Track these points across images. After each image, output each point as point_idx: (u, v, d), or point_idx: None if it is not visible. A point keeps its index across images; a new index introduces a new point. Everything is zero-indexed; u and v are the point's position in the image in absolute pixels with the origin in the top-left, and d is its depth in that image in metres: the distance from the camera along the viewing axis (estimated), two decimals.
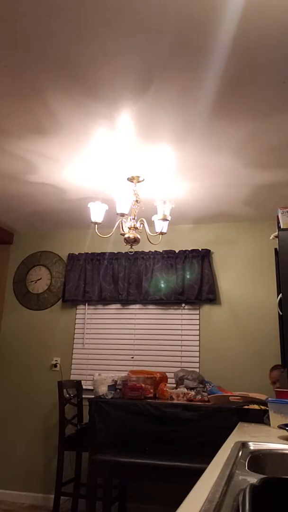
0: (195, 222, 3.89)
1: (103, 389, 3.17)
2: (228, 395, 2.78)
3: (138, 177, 2.98)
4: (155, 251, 3.82)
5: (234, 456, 1.03)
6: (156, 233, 3.05)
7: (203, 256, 3.72)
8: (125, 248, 3.32)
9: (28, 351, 3.96)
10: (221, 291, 3.70)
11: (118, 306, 3.90)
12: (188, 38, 1.74)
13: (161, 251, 3.82)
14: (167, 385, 3.07)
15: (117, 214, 2.87)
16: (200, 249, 3.77)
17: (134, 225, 2.93)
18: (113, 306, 3.91)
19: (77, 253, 4.04)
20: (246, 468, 0.94)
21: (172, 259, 3.80)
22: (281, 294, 2.35)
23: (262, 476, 0.81)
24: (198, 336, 3.66)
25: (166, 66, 1.91)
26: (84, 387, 3.67)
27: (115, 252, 3.91)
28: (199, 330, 3.66)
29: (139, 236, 2.94)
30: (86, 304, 3.95)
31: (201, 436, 2.50)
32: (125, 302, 3.85)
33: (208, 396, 2.85)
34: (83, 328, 3.91)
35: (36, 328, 4.01)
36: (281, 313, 2.37)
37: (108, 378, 3.26)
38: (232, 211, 3.59)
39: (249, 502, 0.61)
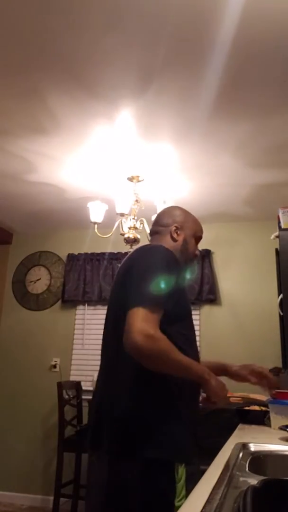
0: None
1: None
2: (229, 396, 2.76)
3: (138, 176, 2.97)
4: None
5: (234, 458, 1.01)
6: None
7: (204, 256, 3.71)
8: (125, 248, 3.30)
9: (27, 351, 3.94)
10: (222, 291, 3.69)
11: None
12: (188, 37, 1.73)
13: None
14: None
15: (117, 214, 2.86)
16: (200, 249, 3.75)
17: (134, 225, 2.92)
18: None
19: (76, 253, 4.03)
20: (247, 469, 0.93)
21: None
22: (281, 294, 2.34)
23: (262, 477, 0.80)
24: (198, 337, 3.64)
25: (166, 65, 1.90)
26: (83, 388, 3.65)
27: (115, 252, 3.89)
28: (199, 330, 3.65)
29: (139, 236, 2.93)
30: (86, 305, 3.94)
31: (201, 437, 2.48)
32: None
33: None
34: (83, 329, 3.90)
35: (35, 329, 4.00)
36: (281, 314, 2.35)
37: None
38: (233, 211, 3.58)
39: (250, 504, 0.60)
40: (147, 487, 1.10)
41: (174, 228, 1.46)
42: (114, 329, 1.27)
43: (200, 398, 1.32)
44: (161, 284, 1.20)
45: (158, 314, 1.16)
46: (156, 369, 1.15)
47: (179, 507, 1.01)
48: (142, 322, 1.11)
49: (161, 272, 1.22)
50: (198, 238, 1.52)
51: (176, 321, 1.25)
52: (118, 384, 1.24)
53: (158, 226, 1.51)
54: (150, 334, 1.10)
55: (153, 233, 1.53)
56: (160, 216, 1.55)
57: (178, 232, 1.46)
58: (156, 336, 1.12)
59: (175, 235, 1.45)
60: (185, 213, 1.54)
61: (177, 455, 1.15)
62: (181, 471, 1.13)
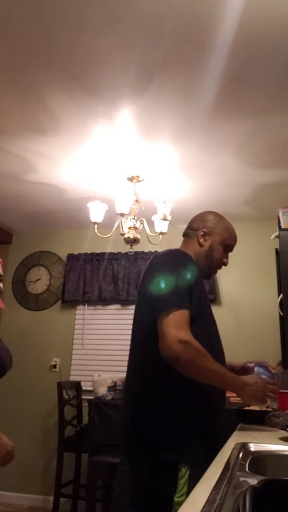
0: None
1: (102, 390, 3.15)
2: (229, 396, 2.76)
3: (138, 176, 2.96)
4: (155, 251, 3.80)
5: (234, 458, 1.01)
6: (156, 233, 3.03)
7: None
8: (125, 248, 3.30)
9: (27, 351, 3.94)
10: (221, 292, 3.68)
11: (118, 306, 3.88)
12: (188, 36, 1.73)
13: None
14: None
15: (117, 214, 2.85)
16: None
17: (134, 225, 2.92)
18: (113, 306, 3.89)
19: (76, 253, 4.02)
20: (247, 469, 0.92)
21: None
22: (281, 294, 2.34)
23: (262, 477, 0.80)
24: None
25: (166, 64, 1.90)
26: (83, 388, 3.65)
27: (115, 252, 3.89)
28: None
29: (139, 236, 2.92)
30: (86, 305, 3.94)
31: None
32: (125, 302, 3.83)
33: None
34: (83, 329, 3.90)
35: (35, 329, 3.99)
36: (281, 314, 2.35)
37: (107, 379, 3.24)
38: (233, 211, 3.57)
39: (250, 504, 0.60)
40: (150, 483, 1.18)
41: (202, 233, 1.48)
42: (134, 333, 1.38)
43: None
44: (181, 284, 1.25)
45: (186, 313, 1.22)
46: (191, 375, 1.20)
47: (178, 502, 1.13)
48: (174, 328, 1.18)
49: (178, 273, 1.27)
50: (227, 246, 1.51)
51: (194, 320, 1.27)
52: (135, 385, 1.32)
53: (189, 229, 1.53)
54: (185, 340, 1.17)
55: (184, 235, 1.56)
56: (193, 219, 1.56)
57: (206, 238, 1.47)
58: (192, 342, 1.18)
59: (201, 240, 1.47)
60: (218, 219, 1.53)
61: (181, 457, 1.19)
62: (184, 470, 1.17)
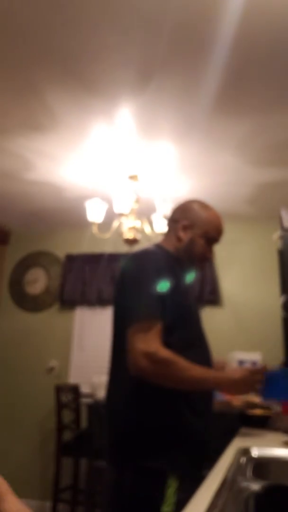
0: None
1: (102, 393, 3.10)
2: (230, 400, 2.71)
3: (137, 175, 2.93)
4: None
5: (236, 462, 0.99)
6: (156, 232, 3.00)
7: None
8: (125, 249, 3.27)
9: (25, 354, 3.90)
10: (223, 292, 3.64)
11: None
12: (189, 32, 1.71)
13: None
14: None
15: (116, 213, 2.82)
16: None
17: (134, 225, 2.88)
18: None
19: (75, 254, 3.98)
20: (249, 474, 0.90)
21: None
22: (285, 295, 2.30)
23: (265, 482, 0.79)
24: None
25: (166, 61, 1.88)
26: (82, 391, 3.59)
27: (114, 252, 3.85)
28: None
29: (139, 236, 2.89)
30: (85, 306, 3.89)
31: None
32: None
33: None
34: (82, 330, 3.85)
35: (33, 331, 3.95)
36: (285, 315, 2.31)
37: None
38: (234, 210, 3.54)
39: (253, 509, 0.57)
40: (136, 493, 1.12)
41: (182, 226, 1.35)
42: (113, 339, 1.30)
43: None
44: (151, 295, 1.17)
45: (156, 326, 1.14)
46: (167, 386, 1.14)
47: None
48: (141, 342, 1.12)
49: (149, 283, 1.18)
50: (210, 239, 1.38)
51: (175, 327, 1.21)
52: (117, 392, 1.25)
53: (170, 221, 1.41)
54: (150, 353, 1.10)
55: (167, 226, 1.44)
56: (175, 209, 1.43)
57: (186, 231, 1.35)
58: (159, 354, 1.11)
59: (181, 234, 1.35)
60: (201, 209, 1.39)
61: (168, 465, 1.13)
62: (172, 479, 1.11)
